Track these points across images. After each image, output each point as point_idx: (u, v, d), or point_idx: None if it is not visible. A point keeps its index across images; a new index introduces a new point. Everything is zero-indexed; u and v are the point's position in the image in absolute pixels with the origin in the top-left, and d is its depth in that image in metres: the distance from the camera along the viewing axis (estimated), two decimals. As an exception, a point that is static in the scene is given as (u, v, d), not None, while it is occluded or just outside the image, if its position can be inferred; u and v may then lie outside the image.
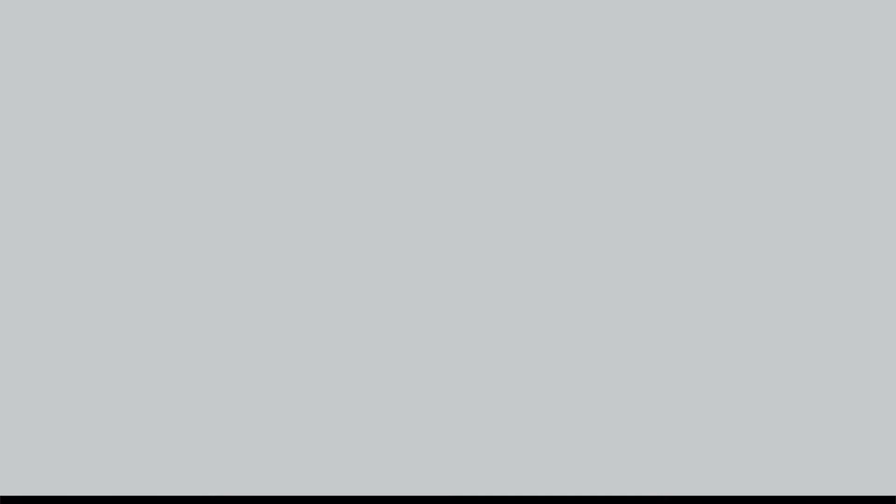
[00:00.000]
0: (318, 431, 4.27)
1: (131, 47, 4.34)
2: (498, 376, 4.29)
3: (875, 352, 4.25)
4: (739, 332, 4.27)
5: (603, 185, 4.26)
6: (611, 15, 4.27)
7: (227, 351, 4.32)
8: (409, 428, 4.27)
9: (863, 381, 4.24)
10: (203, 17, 4.29)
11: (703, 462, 4.26)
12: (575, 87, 4.28)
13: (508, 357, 4.29)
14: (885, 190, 4.23)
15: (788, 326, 4.27)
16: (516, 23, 4.27)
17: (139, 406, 4.31)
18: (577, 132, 4.27)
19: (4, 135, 4.37)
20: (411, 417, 4.26)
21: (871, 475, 4.23)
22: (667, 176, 4.26)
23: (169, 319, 4.33)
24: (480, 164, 4.28)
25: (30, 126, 4.37)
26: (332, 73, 4.33)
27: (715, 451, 4.26)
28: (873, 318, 4.25)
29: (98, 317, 4.33)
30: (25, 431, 4.31)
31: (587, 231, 4.27)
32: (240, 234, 4.29)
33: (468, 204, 4.29)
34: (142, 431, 4.31)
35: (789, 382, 4.26)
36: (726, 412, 4.27)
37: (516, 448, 4.26)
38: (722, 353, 4.28)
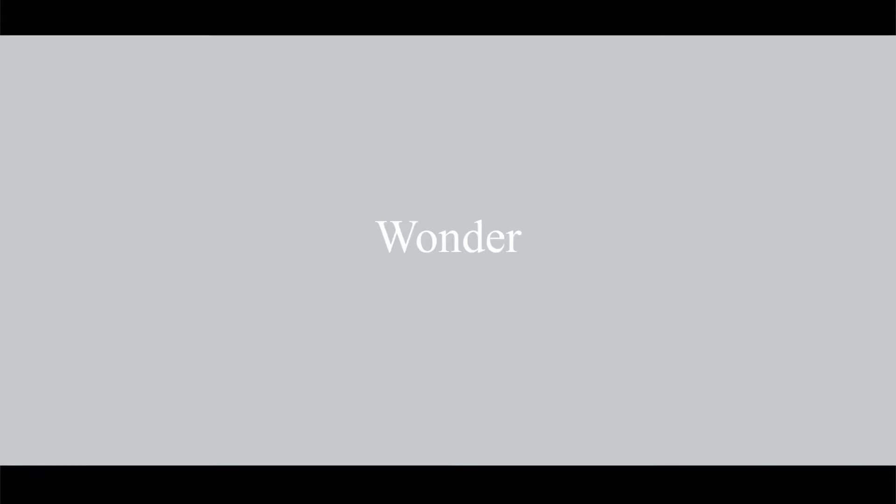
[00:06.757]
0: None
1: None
2: (501, 374, 4.31)
3: (874, 322, 4.28)
4: (741, 305, 4.30)
5: (607, 186, 4.28)
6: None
7: (229, 324, 4.32)
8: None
9: (862, 350, 4.26)
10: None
11: (704, 433, 4.30)
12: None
13: (509, 356, 4.31)
14: (884, 189, 4.26)
15: (789, 298, 4.30)
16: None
17: (140, 376, 4.29)
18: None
19: (5, 135, 4.36)
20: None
21: (870, 445, 4.27)
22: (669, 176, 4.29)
23: (170, 292, 4.31)
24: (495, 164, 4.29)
25: (29, 126, 4.36)
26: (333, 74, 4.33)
27: (715, 422, 4.29)
28: (871, 292, 4.29)
29: (99, 291, 4.31)
30: (27, 401, 4.28)
31: (589, 230, 4.29)
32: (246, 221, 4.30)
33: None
34: (144, 401, 4.30)
35: (789, 354, 4.29)
36: (726, 382, 4.30)
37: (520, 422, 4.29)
38: (724, 325, 4.30)
